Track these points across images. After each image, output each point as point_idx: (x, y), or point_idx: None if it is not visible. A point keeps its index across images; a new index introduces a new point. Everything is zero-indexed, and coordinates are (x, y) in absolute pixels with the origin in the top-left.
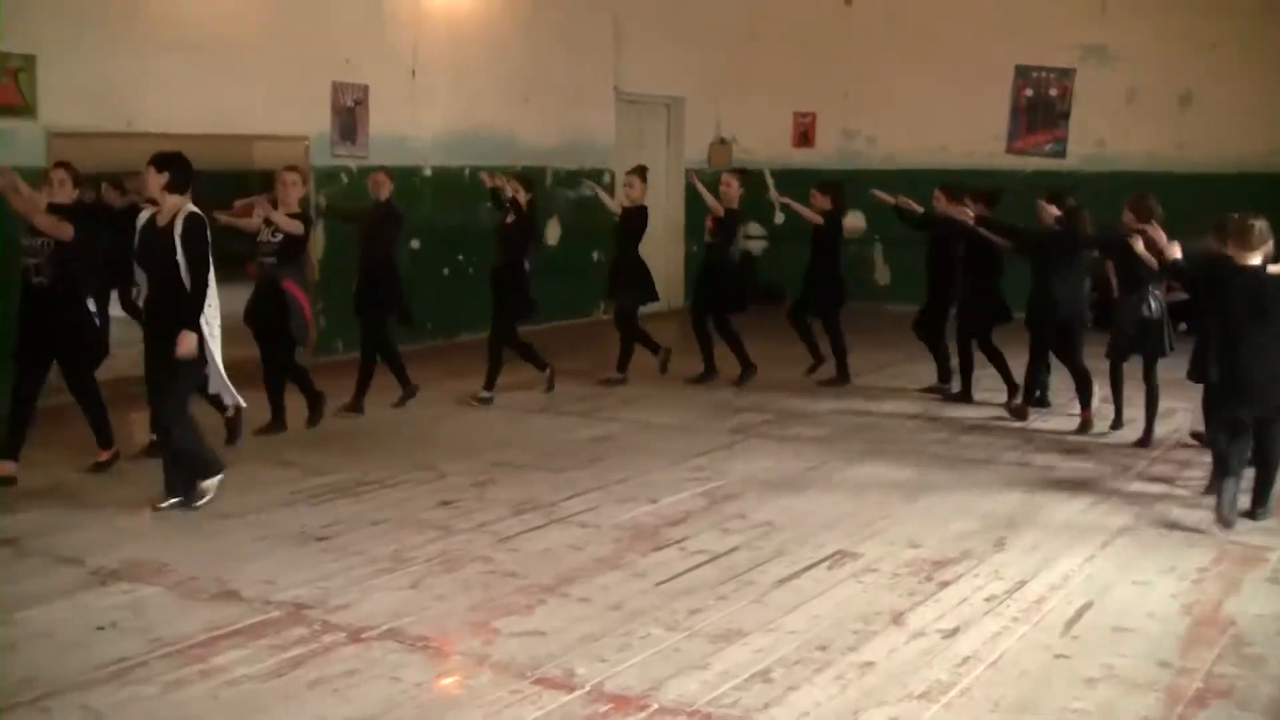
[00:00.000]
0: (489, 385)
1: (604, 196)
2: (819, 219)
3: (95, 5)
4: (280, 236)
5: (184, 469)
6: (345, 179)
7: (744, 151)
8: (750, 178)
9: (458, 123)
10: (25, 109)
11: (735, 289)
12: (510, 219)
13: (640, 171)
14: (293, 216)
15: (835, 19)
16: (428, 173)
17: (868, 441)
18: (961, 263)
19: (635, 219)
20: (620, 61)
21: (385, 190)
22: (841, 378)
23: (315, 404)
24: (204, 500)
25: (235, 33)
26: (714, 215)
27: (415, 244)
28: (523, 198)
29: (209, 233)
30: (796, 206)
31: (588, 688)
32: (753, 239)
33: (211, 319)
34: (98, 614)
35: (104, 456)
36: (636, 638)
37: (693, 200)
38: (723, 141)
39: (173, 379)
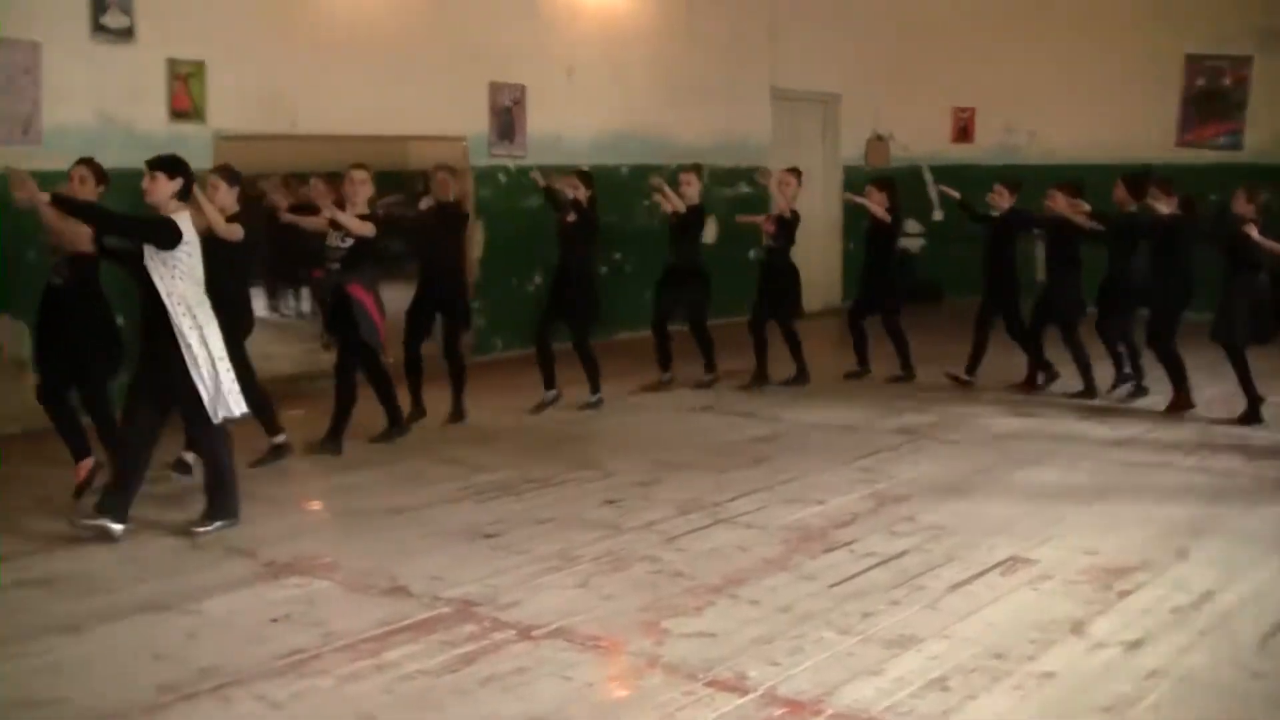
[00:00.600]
0: (594, 388)
1: (668, 193)
2: (886, 215)
3: (261, 12)
4: (350, 241)
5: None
6: (503, 179)
7: (900, 148)
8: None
9: (614, 122)
10: (195, 113)
11: (793, 293)
12: (571, 218)
13: (697, 169)
14: (363, 218)
15: (995, 11)
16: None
17: (1036, 444)
18: (1046, 257)
19: (692, 219)
20: (776, 58)
21: (450, 190)
22: (908, 374)
23: (394, 420)
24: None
25: (395, 35)
26: (773, 216)
27: None
28: (583, 195)
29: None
30: (859, 200)
31: (760, 691)
32: (911, 236)
33: (208, 334)
34: (272, 606)
35: (82, 474)
36: (808, 641)
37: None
38: (880, 138)
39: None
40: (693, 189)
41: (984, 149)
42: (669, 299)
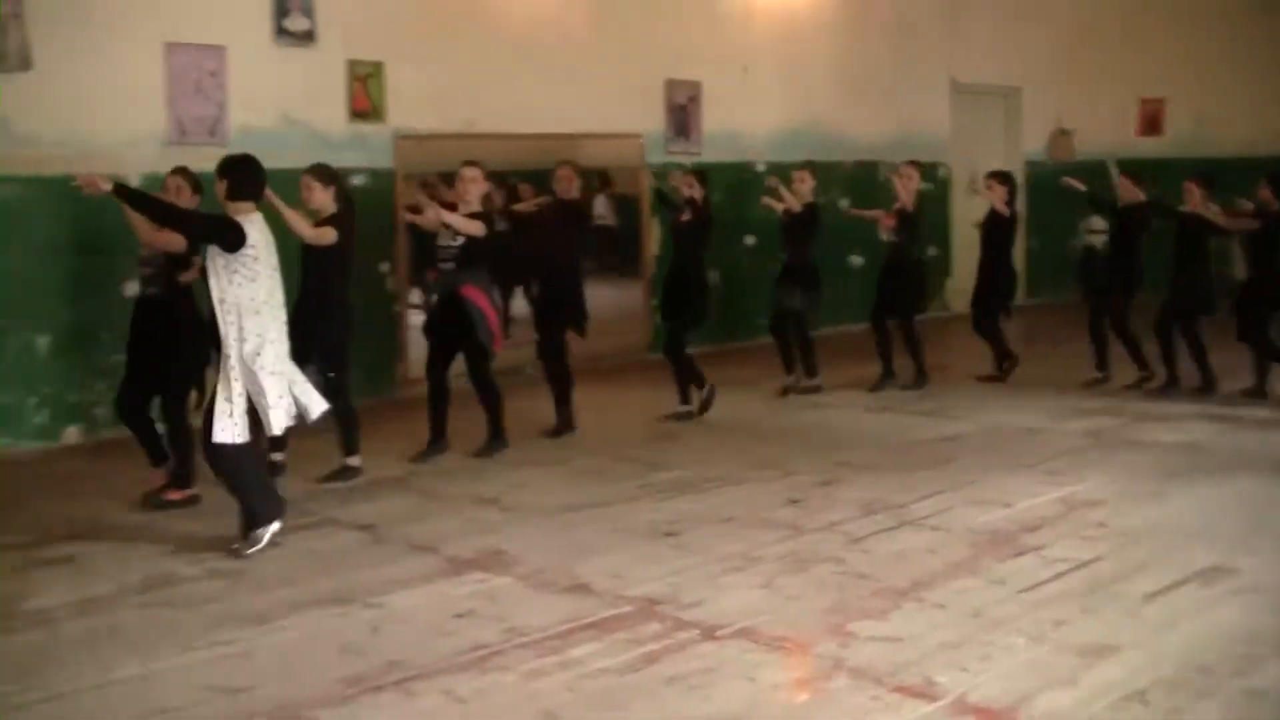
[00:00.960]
0: (684, 398)
1: (784, 192)
2: (1006, 209)
3: (438, 13)
4: (461, 240)
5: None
6: (765, 173)
7: (1083, 142)
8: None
9: (790, 118)
10: (374, 113)
11: (914, 290)
12: (686, 217)
13: (810, 167)
14: (473, 216)
15: None
16: (761, 168)
17: (1231, 447)
18: (1174, 252)
19: (807, 219)
20: (955, 51)
21: (573, 187)
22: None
23: (496, 433)
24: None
25: (570, 33)
26: (893, 211)
27: (750, 240)
28: (699, 194)
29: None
30: (987, 195)
31: (950, 698)
32: (1095, 233)
33: (262, 347)
34: (455, 602)
35: (175, 495)
36: (998, 648)
37: (1035, 193)
38: (1064, 132)
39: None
40: (806, 187)
41: (1175, 141)
42: (783, 299)
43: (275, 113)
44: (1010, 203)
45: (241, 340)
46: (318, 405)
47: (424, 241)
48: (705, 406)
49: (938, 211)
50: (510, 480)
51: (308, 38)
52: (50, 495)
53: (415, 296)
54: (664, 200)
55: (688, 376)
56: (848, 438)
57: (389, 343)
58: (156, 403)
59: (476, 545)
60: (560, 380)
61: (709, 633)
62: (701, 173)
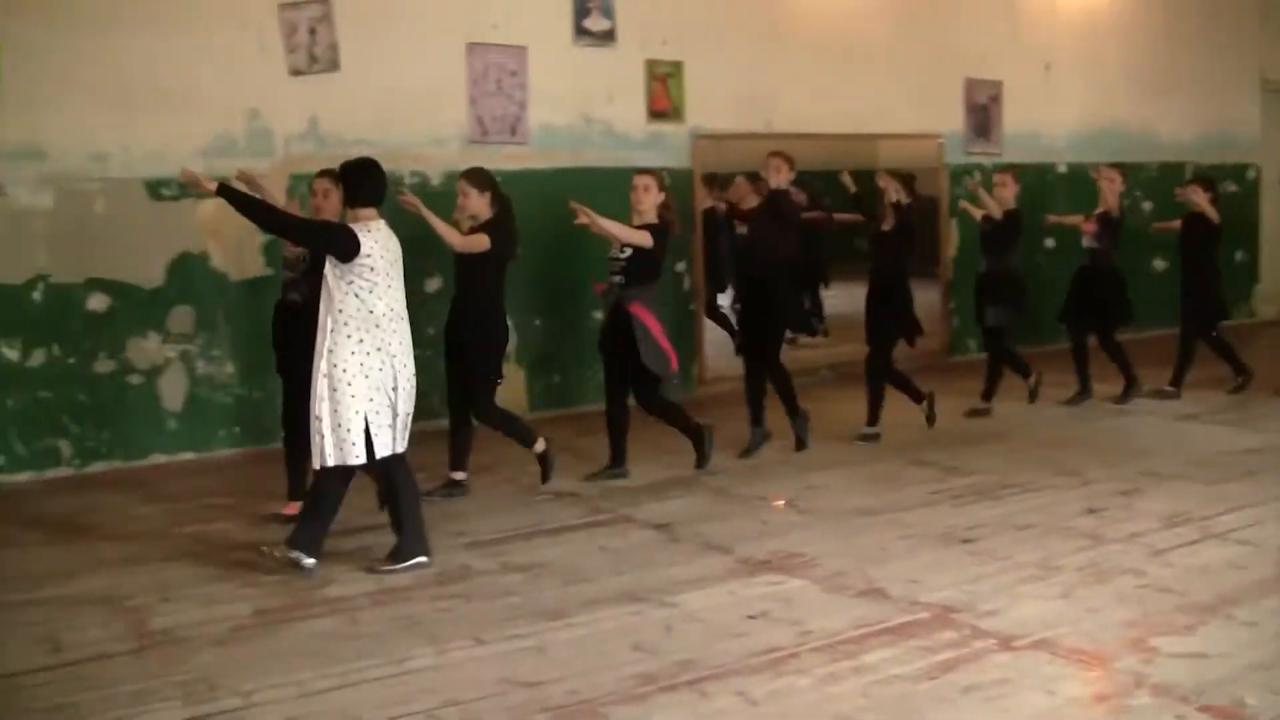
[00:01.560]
0: (872, 419)
1: (984, 196)
2: (1216, 215)
3: (736, 13)
4: (629, 251)
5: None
6: (978, 176)
7: None
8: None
9: (1092, 118)
10: (674, 113)
11: (1117, 300)
12: (888, 225)
13: (1012, 170)
14: (643, 227)
15: None
16: (1062, 169)
17: None
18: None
19: (1010, 225)
20: (1266, 48)
21: (784, 177)
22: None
23: (698, 443)
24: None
25: (868, 33)
26: (1096, 215)
27: (1050, 243)
28: (904, 199)
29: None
30: (1195, 198)
31: None
32: None
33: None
34: (748, 603)
35: (288, 509)
36: None
37: None
38: None
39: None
40: (1008, 191)
41: None
42: (981, 309)
43: (574, 112)
44: (1217, 209)
45: (333, 355)
46: (381, 448)
47: (717, 240)
48: (865, 432)
49: (1245, 214)
50: (805, 482)
51: (608, 37)
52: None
53: (723, 297)
54: (859, 205)
55: (903, 388)
56: (1148, 447)
57: (686, 342)
58: None
59: (770, 547)
60: (779, 387)
61: (1006, 643)
62: (910, 177)
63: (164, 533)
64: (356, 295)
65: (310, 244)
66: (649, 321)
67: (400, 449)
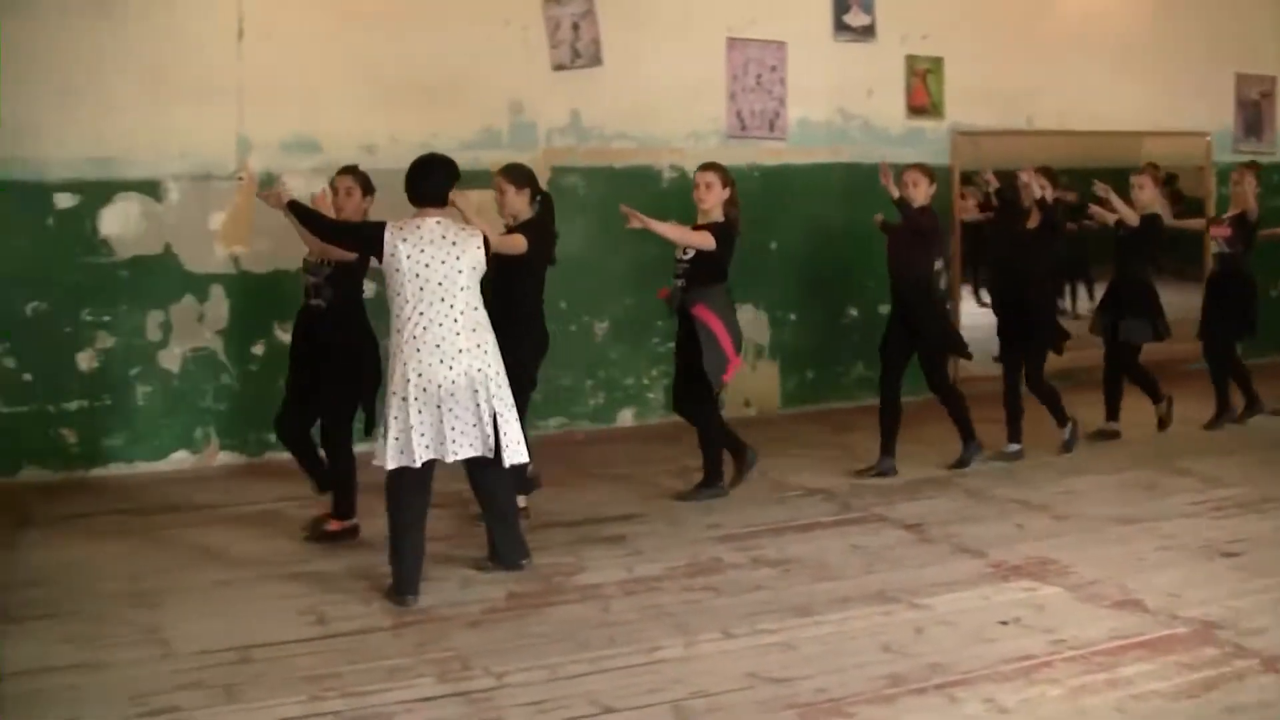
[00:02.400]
0: (1013, 436)
1: (1117, 202)
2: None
3: (998, 7)
4: (691, 253)
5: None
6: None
7: None
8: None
9: None
10: (933, 109)
11: (1248, 308)
12: (1033, 223)
13: (1153, 169)
14: (702, 228)
15: None
16: None
17: None
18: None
19: (1146, 233)
20: None
21: (922, 192)
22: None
23: (741, 465)
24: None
25: (1131, 27)
26: (1230, 217)
27: None
28: (1050, 195)
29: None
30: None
31: None
32: None
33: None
34: (1000, 608)
35: (334, 527)
36: None
37: None
38: None
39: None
40: (1147, 193)
41: None
42: (1109, 325)
43: (832, 107)
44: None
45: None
46: (463, 449)
47: (978, 237)
48: (1008, 441)
49: None
50: (1061, 487)
51: (867, 33)
52: (603, 476)
53: (984, 295)
54: (1005, 202)
55: (1050, 407)
56: None
57: None
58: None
59: (1025, 552)
60: (950, 403)
61: (1271, 664)
62: (1053, 172)
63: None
64: (396, 295)
65: (358, 249)
66: (714, 325)
67: (448, 458)
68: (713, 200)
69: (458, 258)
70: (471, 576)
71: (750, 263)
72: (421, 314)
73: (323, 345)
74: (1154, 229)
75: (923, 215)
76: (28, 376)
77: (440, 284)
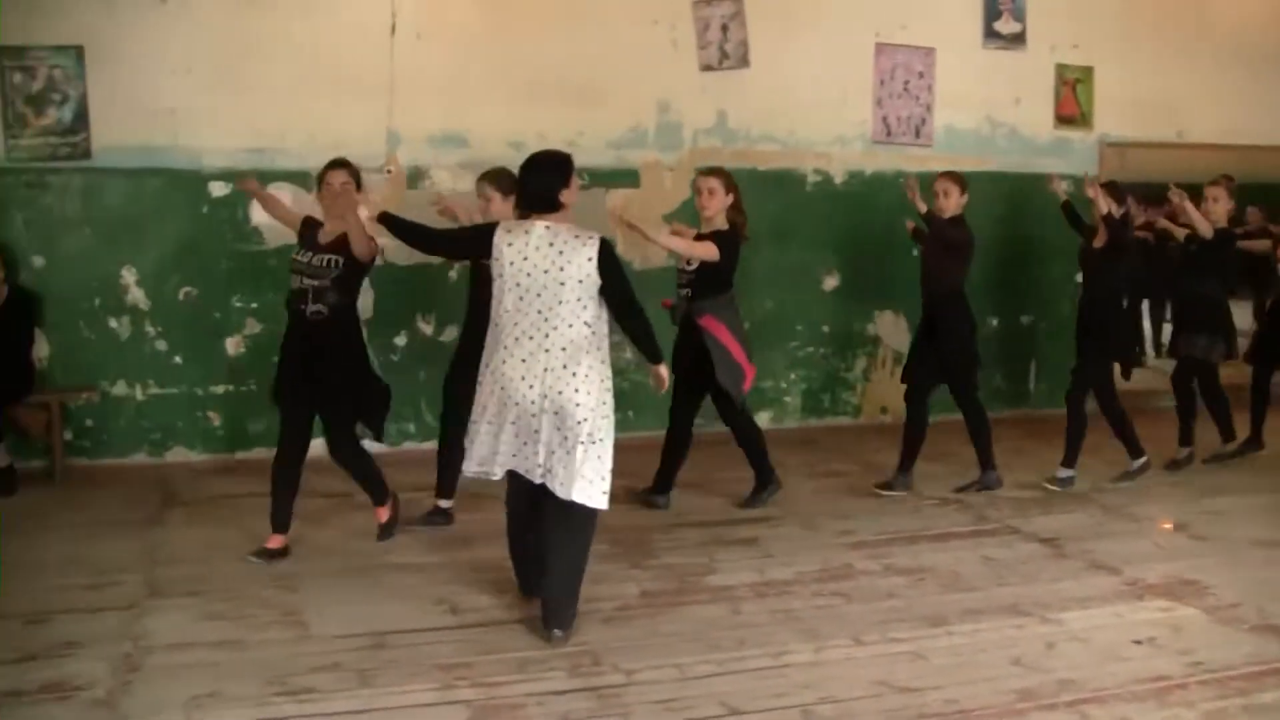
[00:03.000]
0: (1068, 460)
1: (1191, 212)
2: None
3: (1150, 18)
4: (696, 263)
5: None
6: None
7: None
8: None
9: None
10: (1081, 119)
11: None
12: (1100, 241)
13: (1228, 181)
14: (708, 235)
15: None
16: None
17: None
18: None
19: (1219, 247)
20: None
21: (953, 203)
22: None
23: (764, 482)
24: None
25: None
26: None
27: None
28: (1117, 211)
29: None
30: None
31: None
32: None
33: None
34: (1135, 627)
35: (384, 516)
36: None
37: None
38: None
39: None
40: (1220, 206)
41: None
42: (1183, 344)
43: (979, 115)
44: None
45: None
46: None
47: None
48: (1061, 464)
49: None
50: (1202, 506)
51: (1018, 40)
52: (735, 480)
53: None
54: (1074, 220)
55: (1121, 432)
56: None
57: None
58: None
59: (1162, 570)
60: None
61: None
62: (1117, 186)
63: None
64: (497, 302)
65: (463, 254)
66: (722, 335)
67: (520, 469)
68: (715, 207)
69: (562, 268)
70: (604, 573)
71: (891, 269)
72: (516, 324)
73: (328, 360)
74: (1229, 242)
75: (952, 226)
76: (178, 359)
77: (539, 295)
